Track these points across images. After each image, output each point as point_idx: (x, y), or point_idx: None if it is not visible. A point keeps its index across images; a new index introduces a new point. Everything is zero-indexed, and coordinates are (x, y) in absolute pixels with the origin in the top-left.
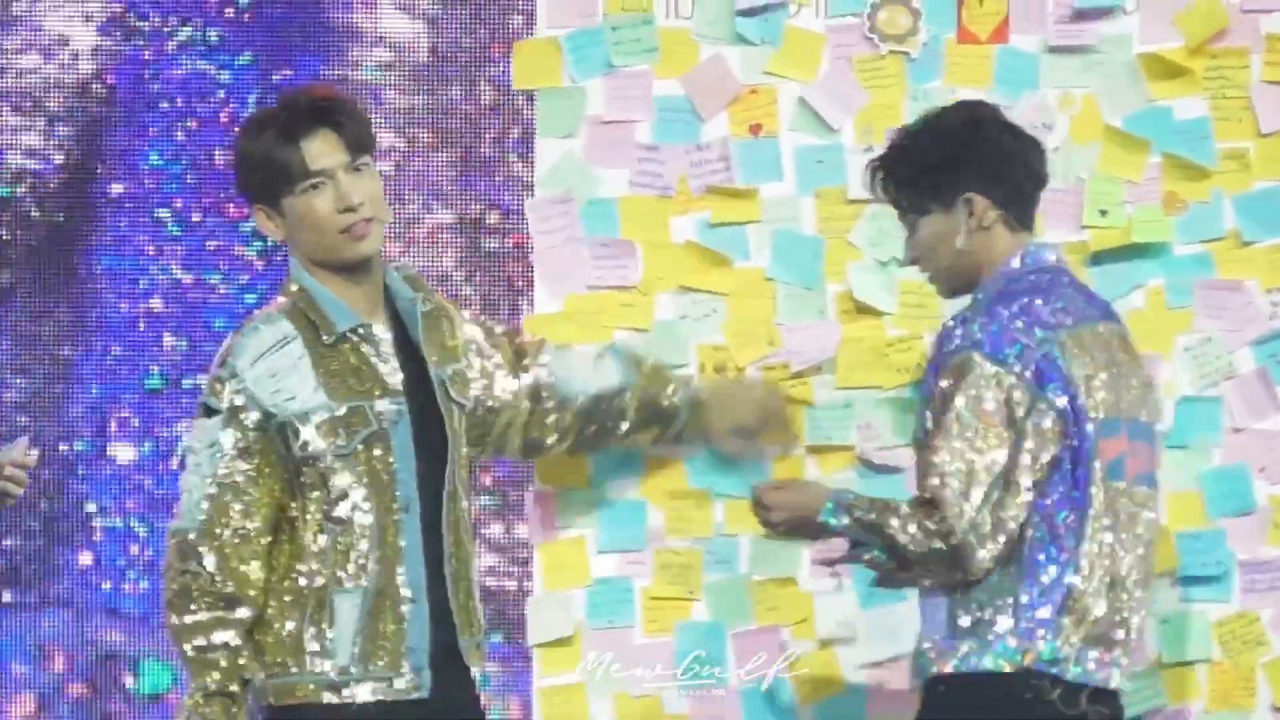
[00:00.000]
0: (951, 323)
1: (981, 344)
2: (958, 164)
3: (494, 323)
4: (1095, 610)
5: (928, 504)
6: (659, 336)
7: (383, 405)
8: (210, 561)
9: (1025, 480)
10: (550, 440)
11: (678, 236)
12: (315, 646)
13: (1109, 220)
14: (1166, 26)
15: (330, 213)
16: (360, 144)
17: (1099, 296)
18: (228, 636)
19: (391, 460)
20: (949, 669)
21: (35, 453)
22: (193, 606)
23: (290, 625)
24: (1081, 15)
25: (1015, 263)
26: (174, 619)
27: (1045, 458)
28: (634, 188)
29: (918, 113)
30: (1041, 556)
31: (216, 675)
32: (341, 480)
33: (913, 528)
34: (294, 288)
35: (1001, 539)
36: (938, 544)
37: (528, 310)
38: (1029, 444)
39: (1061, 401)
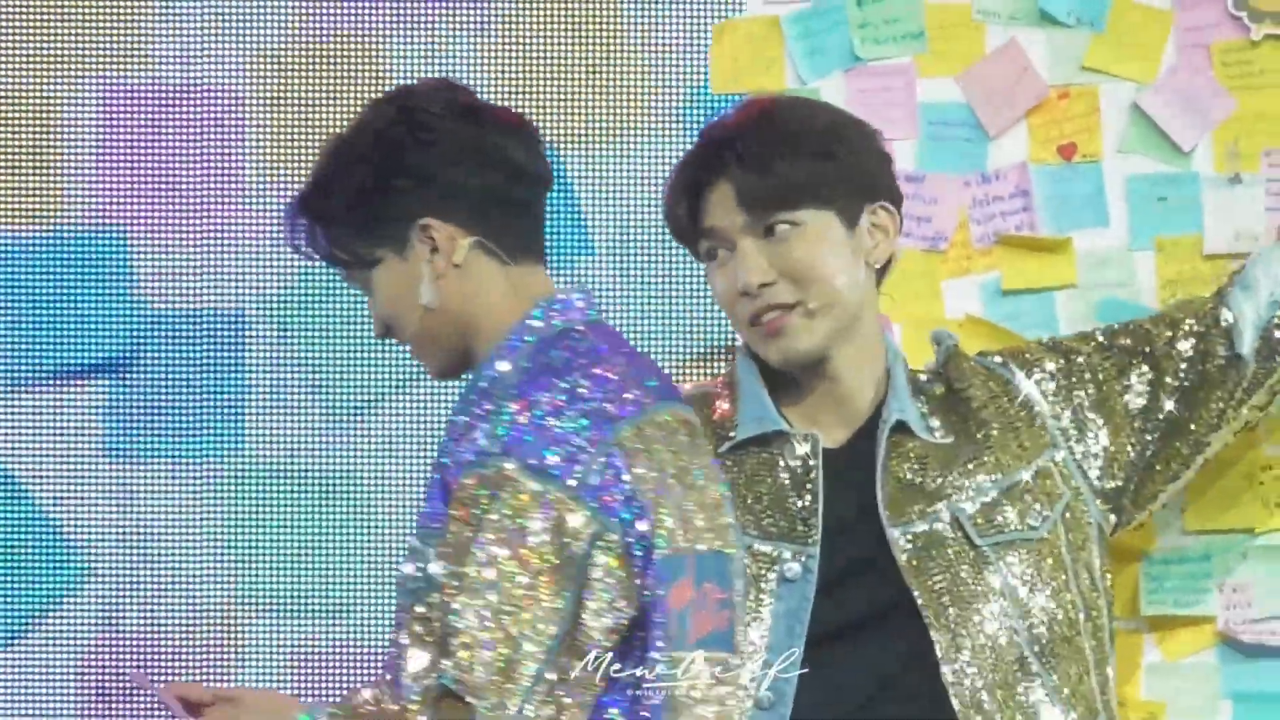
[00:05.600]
0: (464, 416)
1: (513, 450)
2: (400, 179)
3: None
4: None
5: (450, 698)
6: None
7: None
8: None
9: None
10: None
11: (954, 308)
12: None
13: None
14: None
15: (728, 292)
16: (776, 197)
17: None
18: None
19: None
20: None
21: None
22: None
23: None
24: None
25: (544, 316)
26: None
27: (613, 620)
28: None
29: None
30: None
31: None
32: None
33: None
34: (725, 371)
35: None
36: None
37: None
38: (594, 600)
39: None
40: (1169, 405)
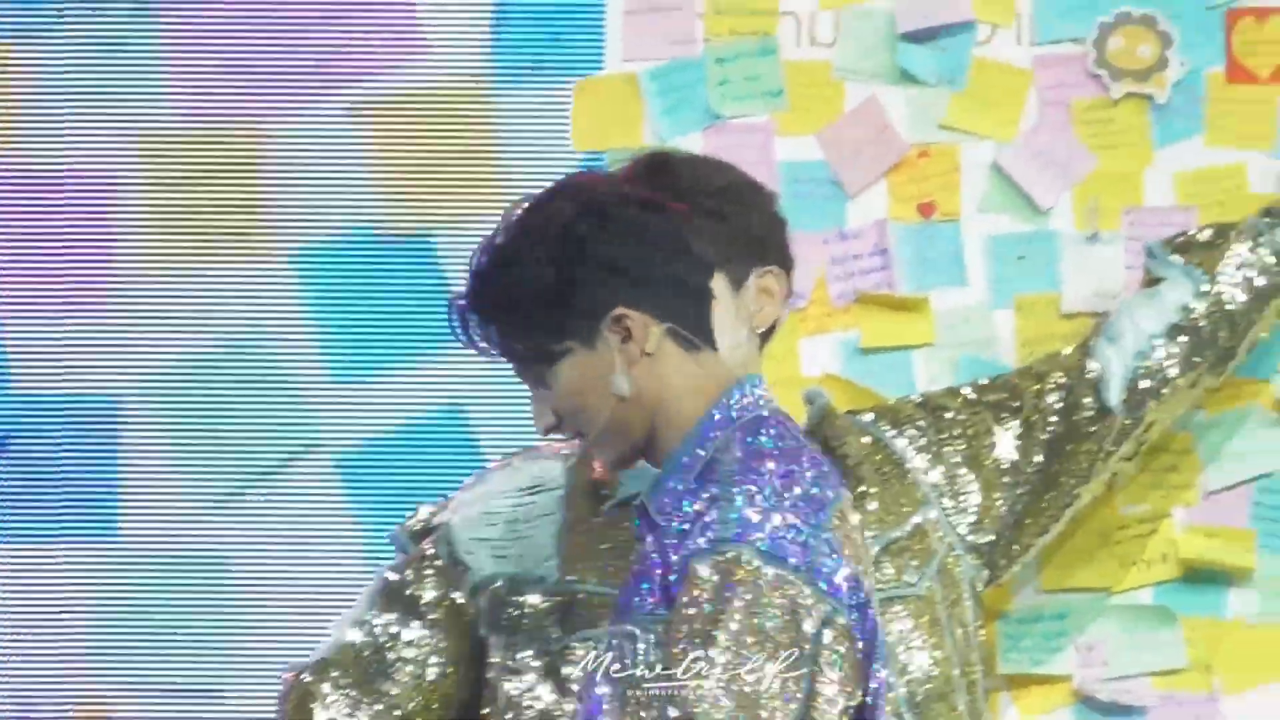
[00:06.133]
0: (677, 502)
1: (747, 536)
2: (591, 271)
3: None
4: None
5: None
6: None
7: None
8: None
9: None
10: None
11: (812, 367)
12: None
13: None
14: None
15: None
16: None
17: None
18: None
19: None
20: None
21: None
22: None
23: None
24: None
25: (735, 401)
26: None
27: (844, 704)
28: None
29: (1168, 182)
30: None
31: None
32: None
33: None
34: None
35: None
36: None
37: None
38: (826, 685)
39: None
40: (1039, 458)
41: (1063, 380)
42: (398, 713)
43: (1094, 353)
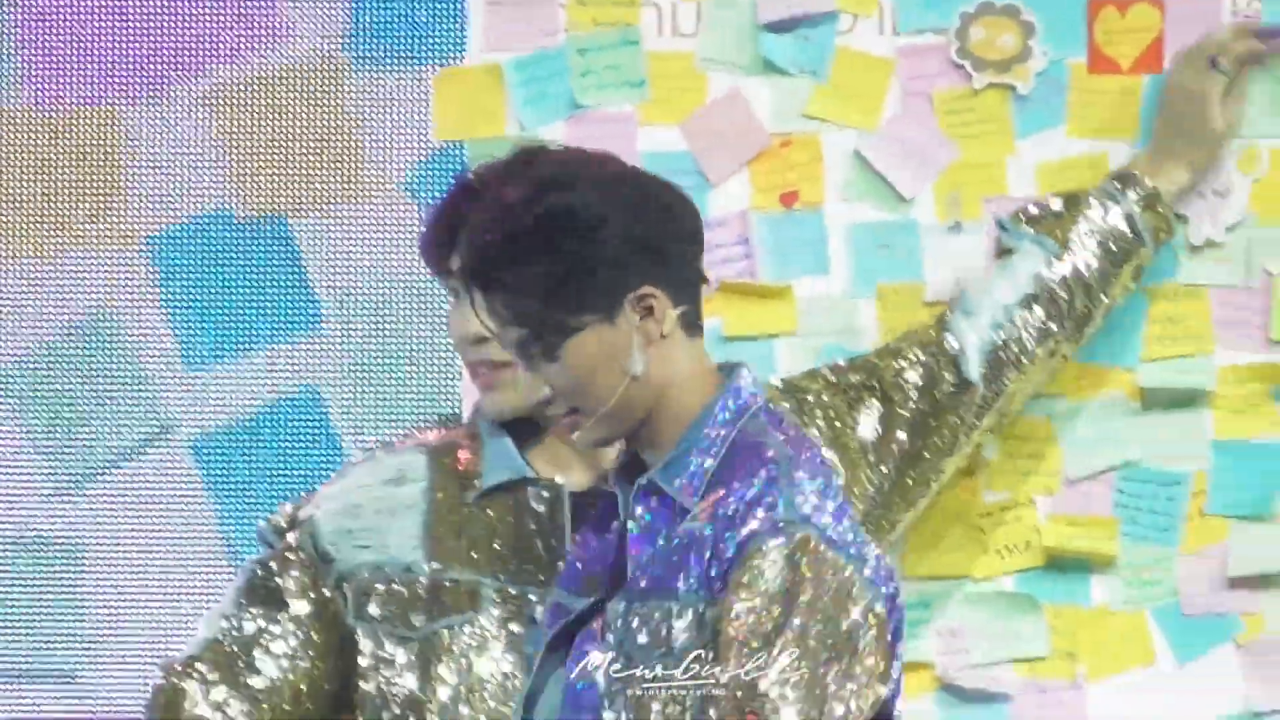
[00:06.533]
0: (703, 481)
1: (812, 519)
2: (622, 248)
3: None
4: None
5: None
6: None
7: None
8: None
9: None
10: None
11: None
12: None
13: None
14: None
15: (458, 335)
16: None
17: None
18: None
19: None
20: None
21: None
22: None
23: None
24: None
25: (745, 389)
26: None
27: (876, 693)
28: None
29: (1030, 172)
30: None
31: None
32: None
33: None
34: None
35: None
36: None
37: None
38: (864, 673)
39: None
40: (901, 435)
41: (921, 357)
42: (265, 707)
43: (950, 327)
